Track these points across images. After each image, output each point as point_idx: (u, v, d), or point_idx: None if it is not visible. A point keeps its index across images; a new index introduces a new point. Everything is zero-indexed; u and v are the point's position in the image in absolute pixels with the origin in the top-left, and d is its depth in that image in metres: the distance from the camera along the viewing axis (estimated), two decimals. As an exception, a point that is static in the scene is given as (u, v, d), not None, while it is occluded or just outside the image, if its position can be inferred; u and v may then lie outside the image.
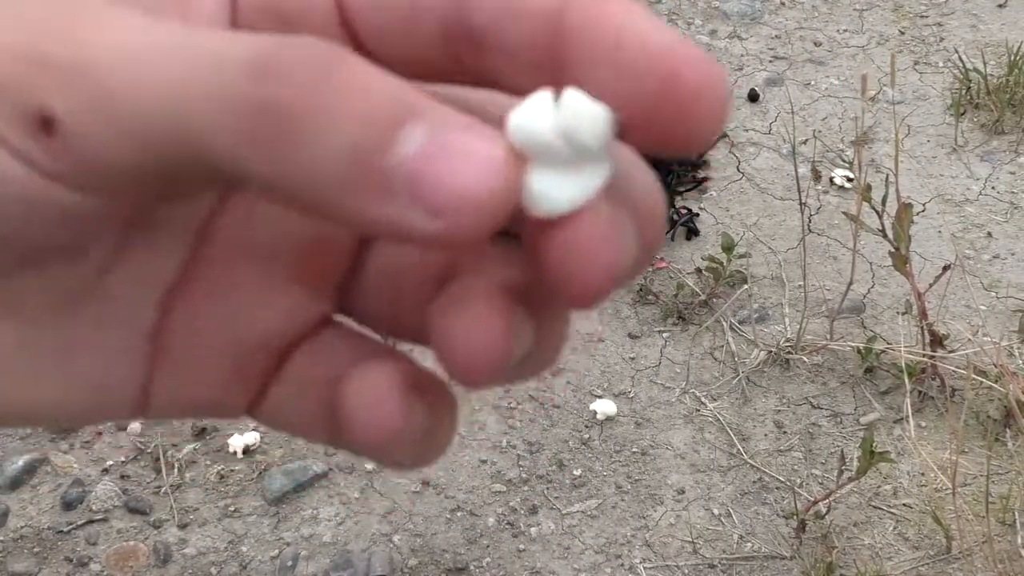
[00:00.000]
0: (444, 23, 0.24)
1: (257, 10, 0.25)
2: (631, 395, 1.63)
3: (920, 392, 1.59)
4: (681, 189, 1.98)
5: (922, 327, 1.61)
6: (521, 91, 0.23)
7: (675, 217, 1.92)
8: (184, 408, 0.27)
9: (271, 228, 0.26)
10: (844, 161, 1.97)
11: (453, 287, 0.23)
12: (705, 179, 2.01)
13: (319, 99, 0.20)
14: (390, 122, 0.20)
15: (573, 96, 0.21)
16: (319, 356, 0.26)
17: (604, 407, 1.59)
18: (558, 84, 0.22)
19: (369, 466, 1.54)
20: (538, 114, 0.21)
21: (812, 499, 1.45)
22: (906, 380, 1.53)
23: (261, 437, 1.56)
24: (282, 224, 0.26)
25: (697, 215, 1.92)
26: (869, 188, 1.54)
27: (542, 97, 0.21)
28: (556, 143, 0.21)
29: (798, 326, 1.67)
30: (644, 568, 1.42)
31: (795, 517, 1.43)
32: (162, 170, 0.21)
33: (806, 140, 2.05)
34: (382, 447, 0.24)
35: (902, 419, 1.55)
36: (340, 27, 0.25)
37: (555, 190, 0.21)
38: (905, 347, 1.59)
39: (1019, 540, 1.39)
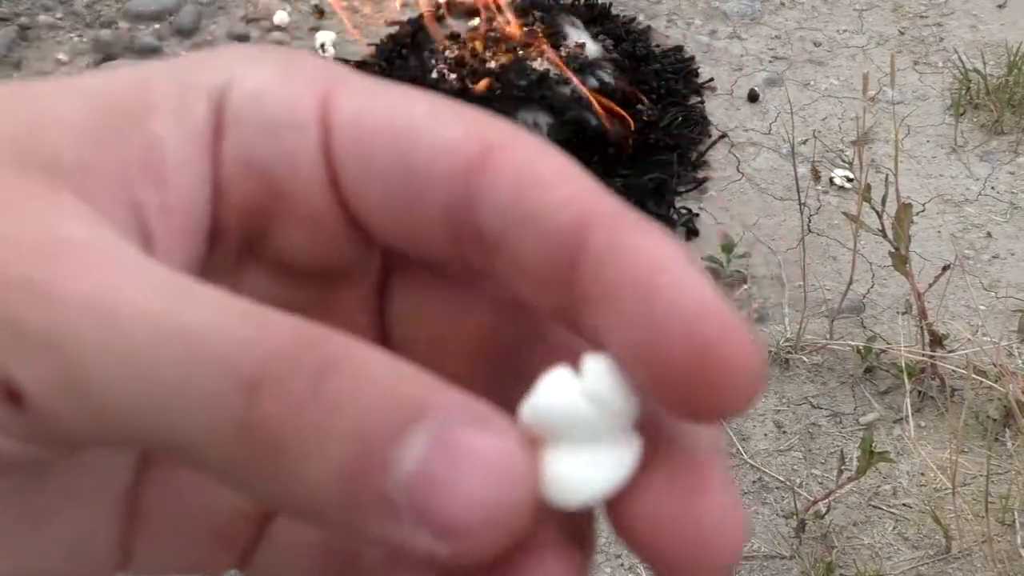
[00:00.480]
0: (449, 215, 0.22)
1: (241, 172, 0.23)
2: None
3: (920, 392, 1.59)
4: (681, 189, 1.98)
5: (922, 327, 1.61)
6: (532, 303, 0.22)
7: (675, 217, 1.92)
8: (168, 567, 0.25)
9: None
10: (844, 161, 1.97)
11: None
12: (705, 179, 2.01)
13: (308, 417, 0.18)
14: (387, 436, 0.18)
15: (599, 361, 0.20)
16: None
17: (604, 407, 1.60)
18: (571, 310, 0.21)
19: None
20: (560, 390, 0.20)
21: (812, 499, 1.46)
22: (906, 380, 1.53)
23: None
24: None
25: (697, 215, 1.92)
26: (869, 188, 1.54)
27: (561, 374, 0.20)
28: (583, 415, 0.19)
29: (798, 326, 1.68)
30: (644, 567, 1.42)
31: (795, 517, 1.43)
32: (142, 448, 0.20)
33: (806, 140, 2.06)
34: None
35: (902, 419, 1.56)
36: (329, 193, 0.23)
37: (579, 475, 0.19)
38: (905, 347, 1.59)
39: (1018, 540, 1.39)
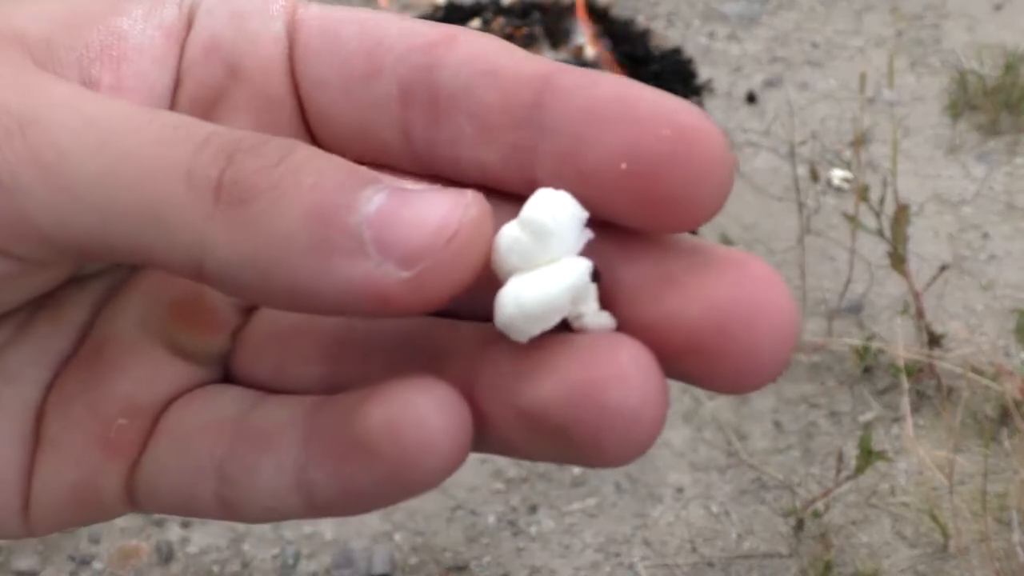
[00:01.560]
0: (404, 84, 0.23)
1: (203, 56, 0.24)
2: (630, 394, 1.64)
3: (918, 391, 1.60)
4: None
5: (920, 327, 1.62)
6: (473, 164, 0.22)
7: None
8: (64, 500, 0.24)
9: (151, 302, 0.25)
10: (842, 162, 1.98)
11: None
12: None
13: (277, 174, 0.19)
14: (349, 185, 0.19)
15: (542, 194, 0.20)
16: (201, 407, 0.24)
17: (603, 406, 1.60)
18: (523, 152, 0.21)
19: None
20: (513, 223, 0.21)
21: (810, 498, 1.46)
22: (904, 380, 1.54)
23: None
24: (162, 297, 0.25)
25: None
26: (867, 188, 1.55)
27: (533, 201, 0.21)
28: (521, 235, 0.20)
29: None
30: (643, 566, 1.42)
31: (793, 516, 1.44)
32: (106, 242, 0.20)
33: (804, 141, 2.06)
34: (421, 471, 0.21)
35: (900, 418, 1.56)
36: (287, 77, 0.24)
37: (527, 294, 0.20)
38: (903, 347, 1.60)
39: (1015, 538, 1.40)
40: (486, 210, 0.20)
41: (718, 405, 1.62)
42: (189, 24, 0.24)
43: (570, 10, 2.28)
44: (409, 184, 0.20)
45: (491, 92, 0.22)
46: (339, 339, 0.24)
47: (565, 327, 0.21)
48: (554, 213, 0.20)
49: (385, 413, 0.20)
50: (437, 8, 2.21)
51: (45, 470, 0.24)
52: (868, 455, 1.34)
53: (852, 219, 1.57)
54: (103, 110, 0.20)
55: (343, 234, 0.19)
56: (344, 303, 0.19)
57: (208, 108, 0.24)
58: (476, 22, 2.16)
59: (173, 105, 0.24)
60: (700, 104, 2.17)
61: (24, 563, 1.41)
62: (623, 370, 0.19)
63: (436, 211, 0.19)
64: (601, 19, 2.30)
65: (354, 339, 0.24)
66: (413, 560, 1.43)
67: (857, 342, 1.66)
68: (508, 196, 0.22)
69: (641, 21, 2.39)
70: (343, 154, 0.21)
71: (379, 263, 0.19)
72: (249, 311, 0.25)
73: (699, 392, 1.64)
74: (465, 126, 0.22)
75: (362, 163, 0.21)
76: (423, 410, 0.20)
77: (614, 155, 0.20)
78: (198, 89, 0.24)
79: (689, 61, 2.28)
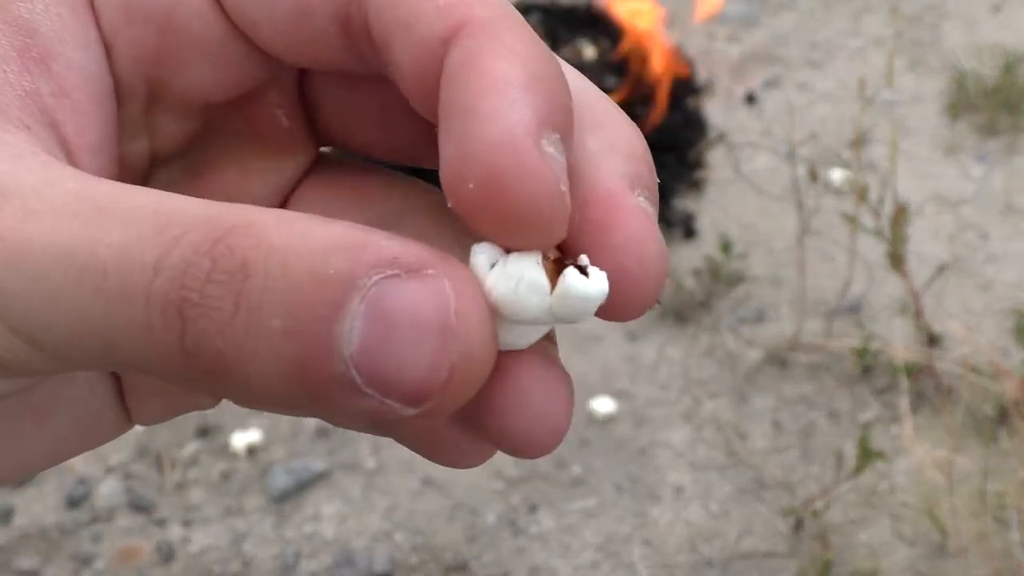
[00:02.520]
0: (341, 22, 0.22)
1: (124, 19, 0.23)
2: (630, 394, 1.64)
3: (917, 391, 1.60)
4: (679, 190, 1.99)
5: (919, 327, 1.62)
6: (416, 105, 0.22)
7: (673, 217, 1.93)
8: (166, 411, 0.26)
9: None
10: (841, 162, 1.99)
11: None
12: (703, 180, 2.02)
13: (239, 327, 0.18)
14: (322, 322, 0.18)
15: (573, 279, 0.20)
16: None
17: (603, 406, 1.61)
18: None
19: (370, 465, 1.55)
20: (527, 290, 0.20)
21: (809, 497, 1.47)
22: (903, 379, 1.54)
23: (263, 436, 1.57)
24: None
25: (695, 216, 1.94)
26: (866, 189, 1.55)
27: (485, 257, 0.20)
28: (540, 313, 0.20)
29: (795, 326, 1.69)
30: (643, 565, 1.43)
31: (792, 515, 1.44)
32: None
33: (803, 141, 2.07)
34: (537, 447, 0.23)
35: (899, 418, 1.57)
36: (223, 21, 0.23)
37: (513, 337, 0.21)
38: (902, 347, 1.60)
39: (1014, 537, 1.40)
40: (481, 312, 0.19)
41: (718, 405, 1.62)
42: None
43: (570, 13, 2.28)
44: (387, 265, 0.18)
45: (406, 50, 0.21)
46: None
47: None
48: (586, 308, 0.21)
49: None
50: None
51: (143, 404, 0.26)
52: (867, 455, 1.34)
53: (851, 219, 1.58)
54: (39, 249, 0.19)
55: (333, 384, 0.18)
56: (363, 422, 0.19)
57: (153, 68, 0.23)
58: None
59: (117, 76, 0.23)
60: (699, 105, 2.18)
61: (26, 562, 1.42)
62: None
63: (426, 345, 0.18)
64: (601, 20, 2.31)
65: None
66: (413, 559, 1.43)
67: (856, 342, 1.66)
68: None
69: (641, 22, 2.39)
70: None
71: (382, 400, 0.18)
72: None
73: (699, 392, 1.64)
74: (394, 70, 0.22)
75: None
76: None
77: (465, 173, 0.20)
78: (132, 52, 0.23)
79: (689, 62, 2.28)
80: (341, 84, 0.26)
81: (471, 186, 0.19)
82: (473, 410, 0.21)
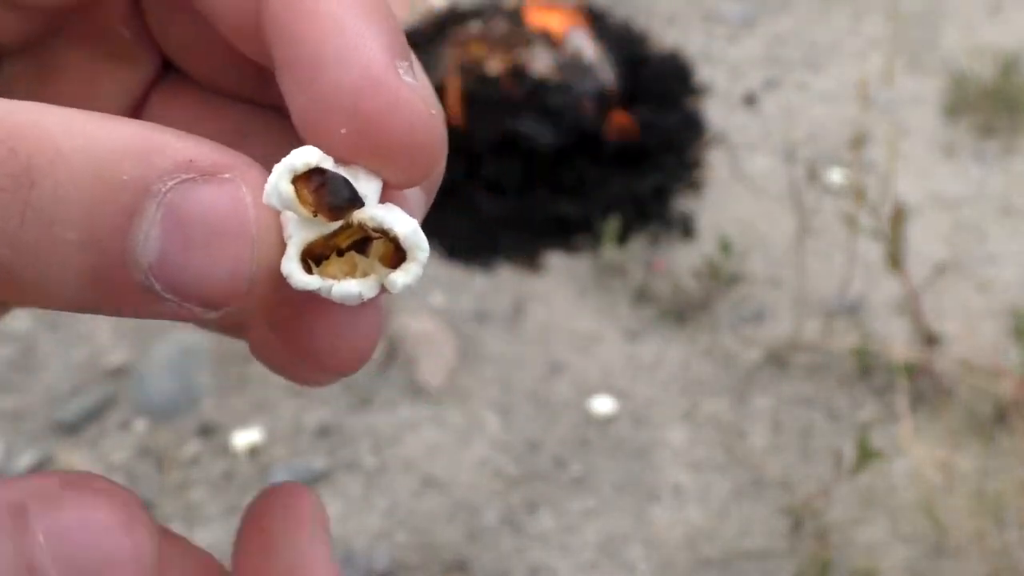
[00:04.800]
0: None
1: None
2: (630, 394, 1.65)
3: (915, 391, 1.61)
4: (678, 191, 2.00)
5: (917, 327, 1.62)
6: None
7: (672, 217, 1.94)
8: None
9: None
10: (840, 162, 1.99)
11: None
12: (702, 181, 2.03)
13: (30, 238, 0.17)
14: (116, 230, 0.17)
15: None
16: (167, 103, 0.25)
17: (603, 405, 1.61)
18: (266, 62, 0.20)
19: (370, 464, 1.55)
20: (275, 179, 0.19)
21: (808, 496, 1.47)
22: (902, 379, 1.55)
23: (264, 436, 1.58)
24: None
25: (694, 216, 1.94)
26: (865, 189, 1.56)
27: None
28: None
29: (795, 326, 1.69)
30: (643, 565, 1.43)
31: (792, 514, 1.45)
32: None
33: (802, 142, 2.07)
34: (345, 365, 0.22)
35: (897, 417, 1.57)
36: None
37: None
38: (900, 346, 1.60)
39: (1012, 537, 1.40)
40: (272, 222, 0.19)
41: (717, 404, 1.63)
42: None
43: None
44: (183, 168, 0.17)
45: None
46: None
47: None
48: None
49: None
50: (434, 12, 2.22)
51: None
52: (866, 454, 1.35)
53: (850, 219, 1.58)
54: None
55: (132, 291, 0.18)
56: (162, 319, 0.19)
57: None
58: (476, 24, 2.17)
59: None
60: (699, 105, 2.18)
61: (27, 562, 1.42)
62: None
63: (224, 254, 0.17)
64: (600, 20, 2.31)
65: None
66: (413, 559, 1.43)
67: (855, 342, 1.66)
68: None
69: (640, 23, 2.39)
70: None
71: (180, 304, 0.18)
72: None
73: (698, 392, 1.65)
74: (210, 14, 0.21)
75: None
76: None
77: (332, 120, 0.19)
78: None
79: (688, 63, 2.29)
80: (166, 7, 0.25)
81: (343, 131, 0.19)
82: (284, 319, 0.21)
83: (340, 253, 0.20)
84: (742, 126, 2.16)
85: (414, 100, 0.19)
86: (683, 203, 1.97)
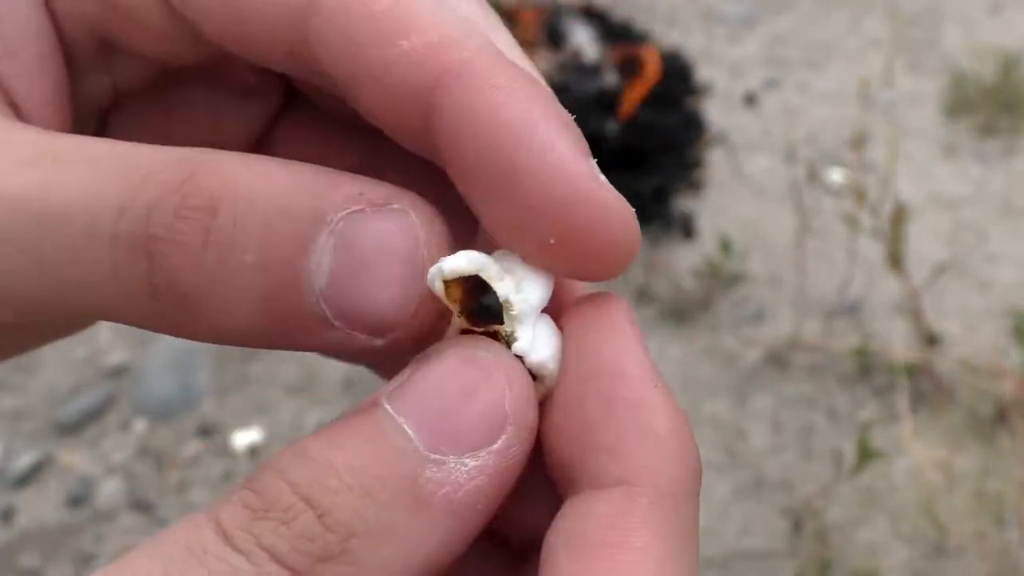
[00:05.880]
0: (290, 54, 0.21)
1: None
2: (630, 394, 1.65)
3: (915, 391, 1.61)
4: (679, 190, 2.00)
5: (917, 327, 1.62)
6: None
7: (673, 217, 1.94)
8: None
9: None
10: (840, 162, 1.99)
11: None
12: (703, 181, 2.03)
13: (210, 262, 0.18)
14: (291, 256, 0.18)
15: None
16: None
17: (603, 406, 1.61)
18: (435, 156, 0.20)
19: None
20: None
21: (808, 496, 1.47)
22: (902, 379, 1.55)
23: (264, 436, 1.58)
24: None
25: (694, 216, 1.94)
26: (865, 189, 1.56)
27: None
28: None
29: (795, 326, 1.69)
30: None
31: (792, 514, 1.45)
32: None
33: (802, 142, 2.07)
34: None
35: (898, 417, 1.57)
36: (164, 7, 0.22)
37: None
38: (901, 346, 1.60)
39: (1012, 537, 1.40)
40: (439, 249, 0.19)
41: (717, 404, 1.63)
42: None
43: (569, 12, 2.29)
44: (353, 202, 0.18)
45: (376, 99, 0.20)
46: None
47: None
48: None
49: None
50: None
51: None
52: (866, 454, 1.35)
53: (851, 219, 1.58)
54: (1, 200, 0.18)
55: (303, 318, 0.18)
56: (325, 353, 0.19)
57: (97, 29, 0.23)
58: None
59: (61, 34, 0.23)
60: (699, 105, 2.18)
61: (27, 562, 1.42)
62: None
63: (392, 277, 0.18)
64: (601, 20, 2.31)
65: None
66: (414, 559, 1.43)
67: (855, 342, 1.66)
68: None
69: (641, 23, 2.39)
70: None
71: (348, 333, 0.19)
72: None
73: (698, 392, 1.65)
74: (363, 111, 0.21)
75: None
76: None
77: (541, 231, 0.20)
78: (75, 15, 0.23)
79: (688, 63, 2.29)
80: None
81: (552, 241, 0.19)
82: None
83: None
84: (742, 126, 2.16)
85: (620, 207, 0.20)
86: (683, 203, 1.97)
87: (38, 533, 1.45)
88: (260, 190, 0.18)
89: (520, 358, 0.20)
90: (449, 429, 0.18)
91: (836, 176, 2.00)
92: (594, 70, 2.06)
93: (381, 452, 0.18)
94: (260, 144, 0.27)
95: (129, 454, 1.56)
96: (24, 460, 1.53)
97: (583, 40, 2.14)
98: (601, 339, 0.20)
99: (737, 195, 2.00)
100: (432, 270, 0.19)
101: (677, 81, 2.20)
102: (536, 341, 0.20)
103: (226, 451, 1.56)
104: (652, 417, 0.19)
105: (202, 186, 0.18)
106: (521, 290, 0.20)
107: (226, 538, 0.18)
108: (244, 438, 1.56)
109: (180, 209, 0.18)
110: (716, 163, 2.07)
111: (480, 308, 0.20)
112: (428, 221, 0.19)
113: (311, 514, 0.17)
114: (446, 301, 0.19)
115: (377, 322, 0.19)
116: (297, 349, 0.19)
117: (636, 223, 0.20)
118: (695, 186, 2.01)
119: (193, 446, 1.56)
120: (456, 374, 0.19)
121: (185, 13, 0.22)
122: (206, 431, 1.58)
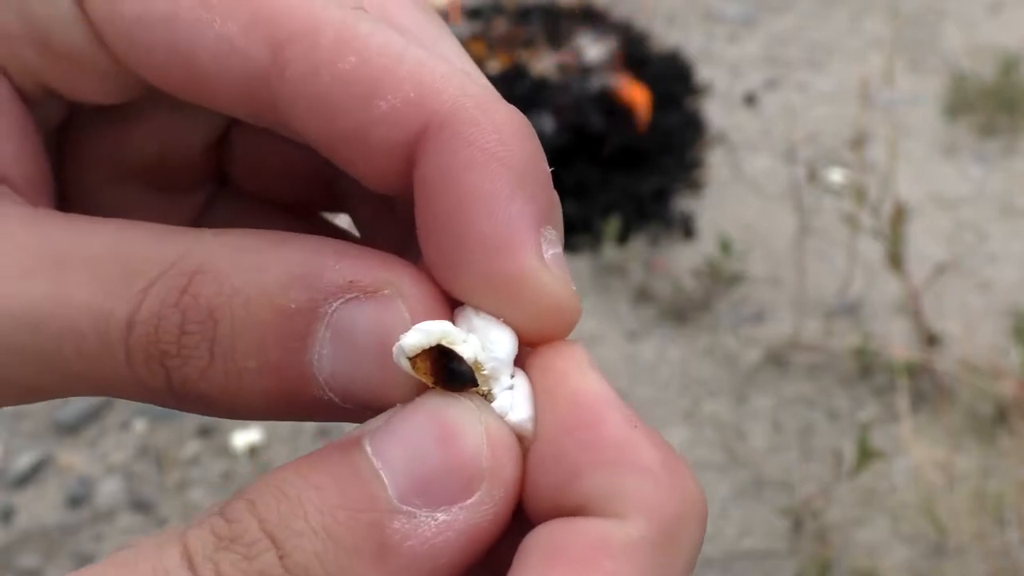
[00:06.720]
0: (249, 111, 0.22)
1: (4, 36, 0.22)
2: (630, 393, 1.65)
3: (915, 391, 1.61)
4: (679, 190, 2.00)
5: (917, 327, 1.62)
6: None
7: (673, 217, 1.94)
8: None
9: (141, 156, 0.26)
10: (840, 162, 1.99)
11: None
12: (703, 180, 2.03)
13: (220, 373, 0.19)
14: (292, 351, 0.19)
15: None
16: None
17: (603, 406, 1.61)
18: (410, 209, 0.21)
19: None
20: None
21: (808, 496, 1.47)
22: (902, 379, 1.55)
23: (264, 436, 1.58)
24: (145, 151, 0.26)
25: (694, 216, 1.94)
26: (865, 189, 1.56)
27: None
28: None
29: (795, 326, 1.69)
30: None
31: (792, 514, 1.45)
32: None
33: (803, 142, 2.07)
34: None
35: (897, 417, 1.57)
36: (95, 45, 0.22)
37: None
38: (901, 346, 1.60)
39: (1012, 537, 1.40)
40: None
41: (717, 404, 1.63)
42: None
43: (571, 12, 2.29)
44: (345, 290, 0.20)
45: (354, 154, 0.21)
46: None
47: None
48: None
49: None
50: (439, 11, 2.21)
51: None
52: (866, 454, 1.35)
53: (851, 219, 1.58)
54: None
55: (313, 404, 0.20)
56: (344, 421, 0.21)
57: (47, 83, 0.23)
58: (477, 23, 2.17)
59: (20, 90, 0.23)
60: (699, 105, 2.18)
61: (27, 561, 1.42)
62: None
63: (391, 366, 0.19)
64: (600, 20, 2.31)
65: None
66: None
67: (855, 342, 1.66)
68: None
69: (641, 23, 2.39)
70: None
71: (360, 410, 0.20)
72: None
73: (698, 392, 1.65)
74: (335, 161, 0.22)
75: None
76: None
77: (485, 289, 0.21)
78: (24, 73, 0.23)
79: (688, 63, 2.29)
80: (256, 135, 0.27)
81: (493, 293, 0.21)
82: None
83: None
84: (742, 126, 2.16)
85: (556, 289, 0.20)
86: (683, 203, 1.97)
87: (38, 533, 1.45)
88: (253, 291, 0.19)
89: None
90: (423, 480, 0.19)
91: (836, 176, 2.00)
92: (595, 70, 2.05)
93: (353, 497, 0.19)
94: (219, 144, 0.28)
95: (129, 454, 1.56)
96: (24, 460, 1.53)
97: (584, 42, 2.14)
98: (572, 390, 0.21)
99: (737, 195, 2.00)
100: (394, 349, 0.20)
101: (677, 81, 2.20)
102: (515, 399, 0.21)
103: (226, 451, 1.56)
104: (641, 454, 0.20)
105: (199, 296, 0.19)
106: (488, 347, 0.21)
107: (189, 563, 0.18)
108: (244, 438, 1.56)
109: (184, 324, 0.19)
110: (716, 163, 2.07)
111: (454, 372, 0.21)
112: (418, 301, 0.20)
113: (273, 553, 0.18)
114: (416, 375, 0.20)
115: (379, 400, 0.20)
116: (317, 421, 0.21)
117: (573, 301, 0.21)
118: (695, 186, 2.01)
119: (193, 446, 1.56)
120: (435, 425, 0.19)
121: (138, 71, 0.22)
122: (206, 431, 1.58)
